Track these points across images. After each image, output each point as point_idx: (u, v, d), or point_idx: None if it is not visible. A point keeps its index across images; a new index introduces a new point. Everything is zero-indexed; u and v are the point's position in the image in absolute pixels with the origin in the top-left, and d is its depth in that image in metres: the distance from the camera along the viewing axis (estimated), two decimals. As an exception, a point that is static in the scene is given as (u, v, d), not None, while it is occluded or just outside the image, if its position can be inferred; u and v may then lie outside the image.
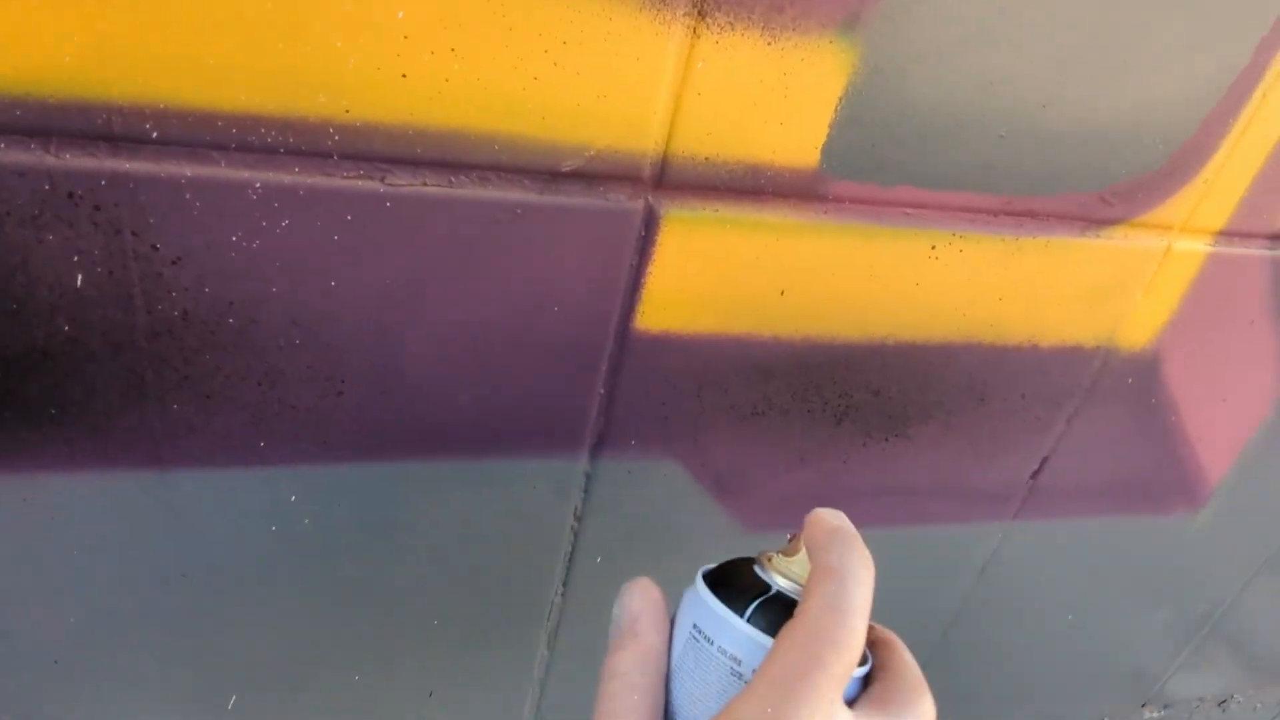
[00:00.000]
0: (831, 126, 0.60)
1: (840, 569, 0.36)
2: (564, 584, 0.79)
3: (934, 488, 0.85)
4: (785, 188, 0.61)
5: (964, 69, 0.59)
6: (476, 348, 0.61)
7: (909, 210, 0.66)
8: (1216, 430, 0.94)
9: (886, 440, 0.79)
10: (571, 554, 0.77)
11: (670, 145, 0.58)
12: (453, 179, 0.55)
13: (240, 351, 0.57)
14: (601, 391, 0.67)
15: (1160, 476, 0.96)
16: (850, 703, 0.37)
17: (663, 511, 0.76)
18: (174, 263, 0.52)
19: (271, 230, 0.53)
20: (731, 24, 0.54)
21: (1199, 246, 0.76)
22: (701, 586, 0.40)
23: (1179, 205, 0.73)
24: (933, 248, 0.68)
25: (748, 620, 0.38)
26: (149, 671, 0.70)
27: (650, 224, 0.60)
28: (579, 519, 0.74)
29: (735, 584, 0.40)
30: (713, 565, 0.42)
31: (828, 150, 0.61)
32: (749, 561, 0.41)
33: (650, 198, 0.59)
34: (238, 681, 0.74)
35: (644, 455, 0.72)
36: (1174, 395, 0.88)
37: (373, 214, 0.54)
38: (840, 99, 0.59)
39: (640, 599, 0.41)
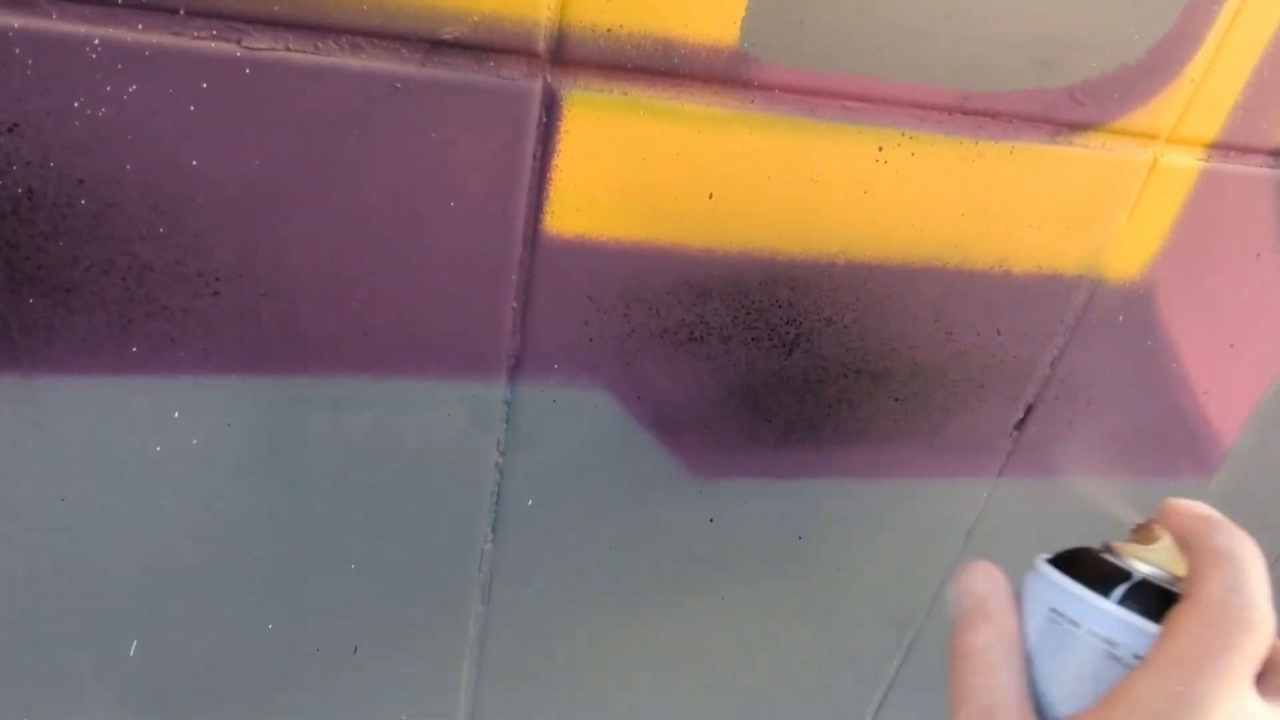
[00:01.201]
0: (751, -2, 0.54)
1: (1232, 552, 0.36)
2: (493, 530, 0.73)
3: (906, 436, 0.78)
4: (703, 70, 0.56)
5: None
6: (363, 246, 0.56)
7: (849, 103, 0.59)
8: (1226, 383, 0.85)
9: (846, 377, 0.72)
10: (498, 494, 0.71)
11: (566, 13, 0.52)
12: (319, 44, 0.50)
13: (98, 239, 0.52)
14: (515, 305, 0.62)
15: (1167, 434, 0.87)
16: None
17: (595, 449, 0.70)
18: (10, 130, 0.48)
19: (118, 97, 0.48)
20: None
21: (1190, 161, 0.69)
22: (1052, 571, 0.41)
23: (1162, 109, 0.65)
24: (879, 149, 0.62)
25: (1120, 604, 0.39)
26: (27, 611, 0.65)
27: (551, 107, 0.55)
28: (503, 454, 0.68)
29: (1090, 570, 0.40)
30: (1050, 554, 0.43)
31: (748, 25, 0.55)
32: (1095, 551, 0.42)
33: (549, 75, 0.54)
34: (130, 628, 0.69)
35: (570, 383, 0.66)
36: (1173, 339, 0.80)
37: (231, 82, 0.49)
38: (758, -36, 0.53)
39: (985, 581, 0.42)
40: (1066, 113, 0.64)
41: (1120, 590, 0.39)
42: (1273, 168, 0.72)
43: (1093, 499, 0.91)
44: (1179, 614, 0.36)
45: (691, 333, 0.67)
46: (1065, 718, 0.38)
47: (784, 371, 0.71)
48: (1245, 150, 0.70)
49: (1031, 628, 0.41)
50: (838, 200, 0.63)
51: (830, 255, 0.66)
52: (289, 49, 0.50)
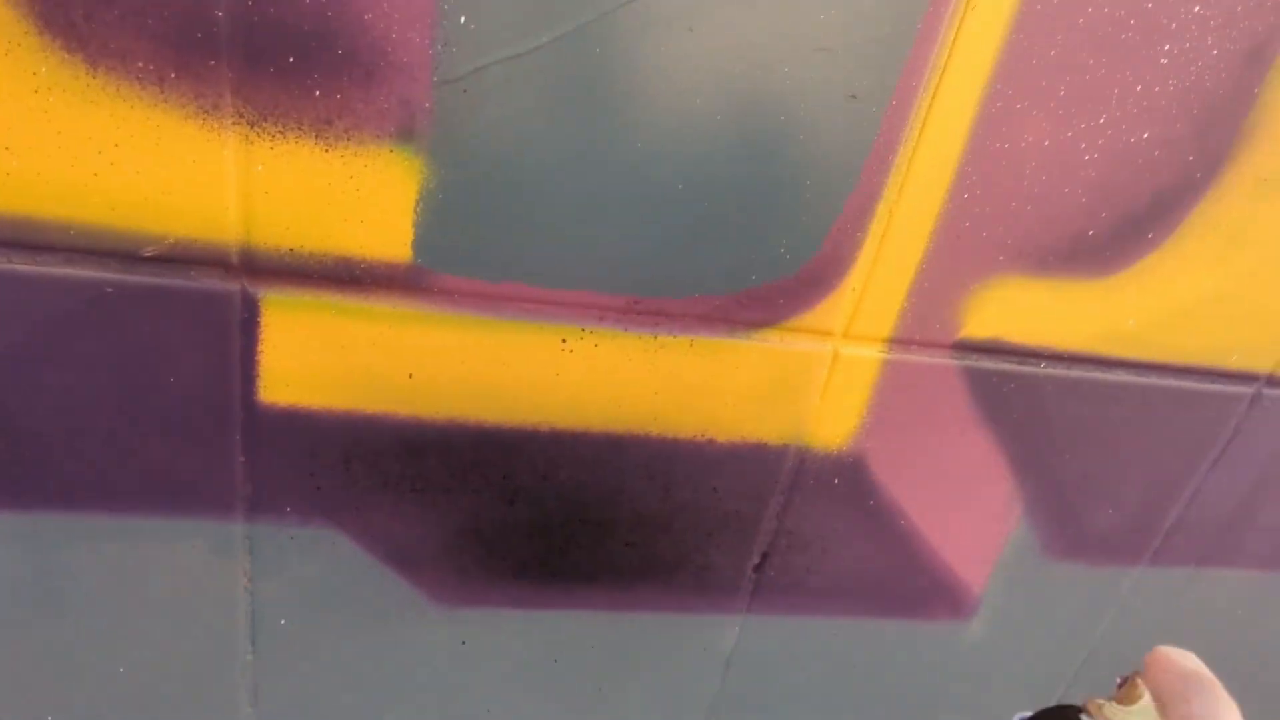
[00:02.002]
0: (416, 226, 0.65)
1: None
2: (253, 643, 0.83)
3: (644, 576, 0.87)
4: (385, 279, 0.67)
5: (552, 183, 0.64)
6: (98, 412, 0.68)
7: (528, 305, 0.70)
8: (962, 538, 0.93)
9: (571, 524, 0.82)
10: (253, 614, 0.81)
11: (251, 236, 0.64)
12: (38, 259, 0.62)
13: None
14: (242, 459, 0.73)
15: (911, 581, 0.95)
16: None
17: (338, 580, 0.80)
18: None
19: None
20: (283, 133, 0.60)
21: (871, 353, 0.78)
22: None
23: (830, 312, 0.75)
24: (564, 340, 0.72)
25: None
26: None
27: (250, 306, 0.66)
28: (251, 580, 0.79)
29: None
30: (1029, 714, 0.41)
31: (419, 246, 0.66)
32: (1074, 710, 0.40)
33: (245, 283, 0.65)
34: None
35: (304, 523, 0.77)
36: (896, 500, 0.89)
37: (-33, 287, 0.61)
38: (418, 201, 0.64)
39: None
40: (738, 314, 0.74)
41: None
42: (958, 359, 0.81)
43: None
44: None
45: (413, 485, 0.77)
46: None
47: (509, 519, 0.81)
48: (925, 344, 0.79)
49: None
50: (531, 381, 0.74)
51: (533, 424, 0.76)
52: (11, 262, 0.62)
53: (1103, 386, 0.85)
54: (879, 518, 0.89)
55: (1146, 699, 0.37)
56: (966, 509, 0.91)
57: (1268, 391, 0.90)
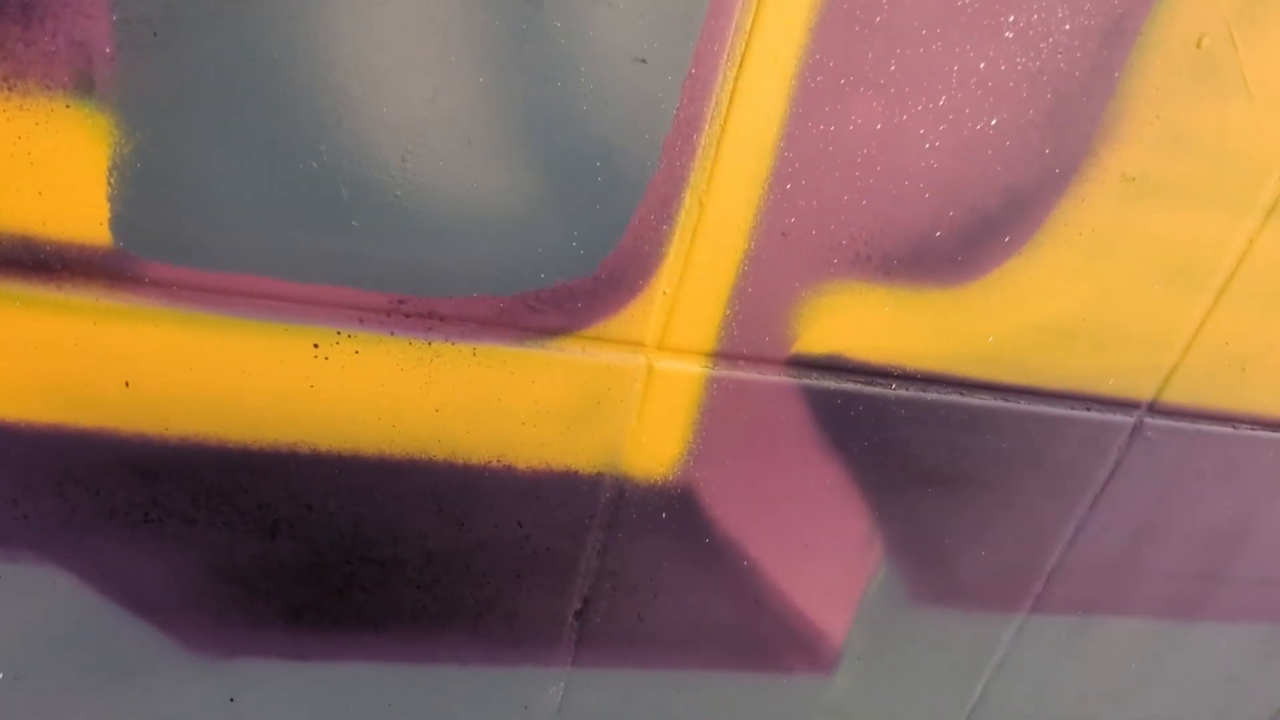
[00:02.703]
0: (112, 200, 0.53)
1: None
2: (-34, 699, 0.69)
3: (443, 623, 0.75)
4: (81, 266, 0.55)
5: (281, 151, 0.53)
6: None
7: (272, 303, 0.58)
8: (815, 581, 0.82)
9: (350, 563, 0.70)
10: (-39, 665, 0.68)
11: (-104, 208, 0.51)
12: None
13: None
14: (-78, 481, 0.60)
15: (761, 630, 0.84)
16: None
17: (64, 625, 0.67)
18: None
19: None
20: (-81, 76, 0.48)
21: (691, 368, 0.67)
22: None
23: (638, 318, 0.64)
24: (315, 346, 0.60)
25: None
26: None
27: (-93, 295, 0.54)
28: (-47, 626, 0.66)
29: None
30: None
31: (119, 226, 0.54)
32: None
33: (-103, 265, 0.53)
34: None
35: (12, 559, 0.64)
36: (735, 537, 0.77)
37: None
38: (111, 169, 0.52)
39: None
40: (527, 319, 0.63)
41: None
42: (793, 377, 0.70)
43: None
44: None
45: (146, 514, 0.65)
46: None
47: (271, 555, 0.69)
48: (755, 360, 0.69)
49: None
50: (280, 393, 0.62)
51: (289, 445, 0.64)
52: None
53: (964, 412, 0.75)
54: (717, 557, 0.78)
55: None
56: (818, 549, 0.80)
57: (1150, 421, 0.80)
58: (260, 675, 0.75)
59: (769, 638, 0.86)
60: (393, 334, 0.62)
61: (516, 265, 0.61)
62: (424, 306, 0.61)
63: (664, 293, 0.64)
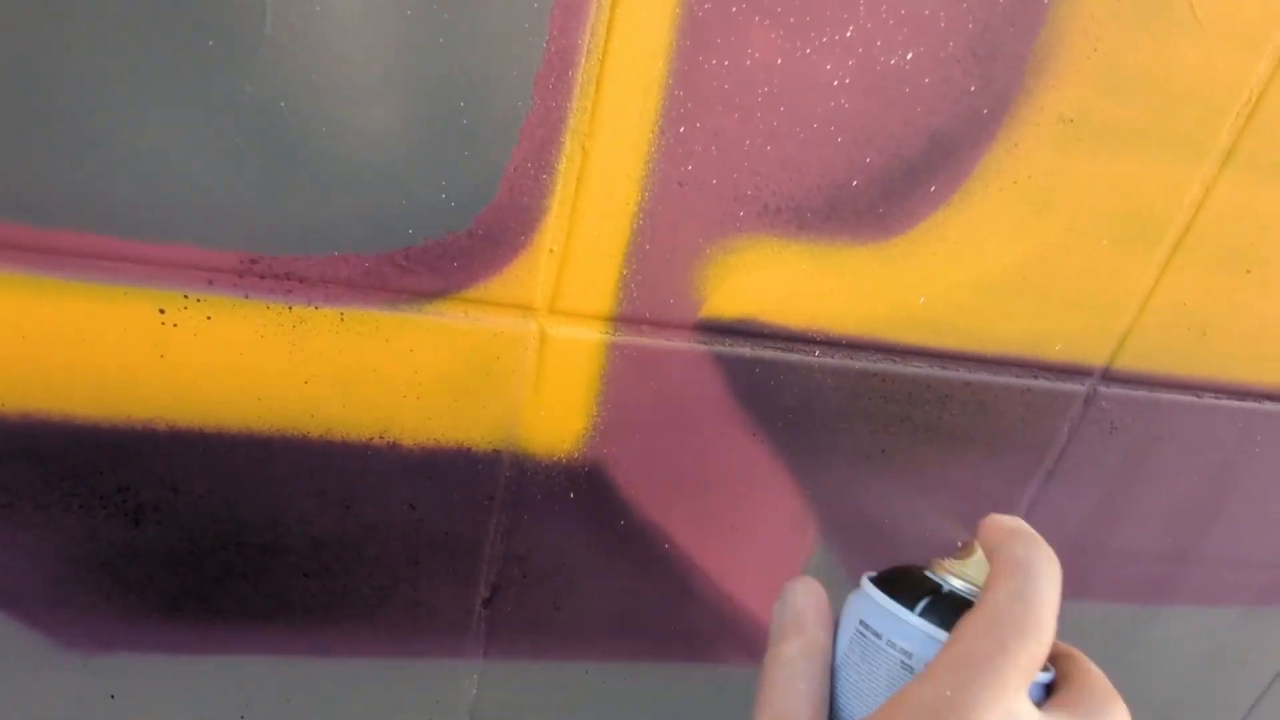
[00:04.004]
0: (-93, 146, 0.47)
1: (1025, 561, 0.37)
2: None
3: (338, 614, 0.70)
4: (-119, 222, 0.49)
5: (115, 84, 0.47)
6: None
7: (103, 263, 0.52)
8: (745, 566, 0.76)
9: (227, 549, 0.64)
10: None
11: None
12: None
13: None
14: None
15: (692, 620, 0.78)
16: (1035, 706, 0.36)
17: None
18: None
19: None
20: None
21: (589, 335, 0.61)
22: (869, 585, 0.42)
23: (523, 279, 0.58)
24: (161, 311, 0.55)
25: (920, 615, 0.39)
26: None
27: None
28: None
29: (904, 585, 0.41)
30: (877, 572, 0.44)
31: (-79, 176, 0.48)
32: (918, 568, 0.43)
33: None
34: None
35: None
36: (653, 519, 0.72)
37: None
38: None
39: (805, 596, 0.43)
40: (399, 280, 0.57)
41: (923, 603, 0.39)
42: (705, 344, 0.64)
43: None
44: (963, 621, 0.36)
45: (-10, 498, 0.59)
46: None
47: (138, 543, 0.63)
48: (660, 325, 0.63)
49: (841, 641, 0.41)
50: (127, 364, 0.56)
51: (144, 421, 0.59)
52: None
53: (898, 381, 0.69)
54: (636, 541, 0.72)
55: (979, 553, 0.41)
56: (746, 531, 0.74)
57: (1104, 390, 0.74)
58: (141, 670, 0.69)
59: (700, 626, 0.80)
60: (248, 297, 0.56)
61: (380, 221, 0.55)
62: (279, 266, 0.55)
63: (551, 250, 0.58)
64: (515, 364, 0.62)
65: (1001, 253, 0.65)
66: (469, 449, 0.65)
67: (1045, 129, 0.61)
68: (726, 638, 0.80)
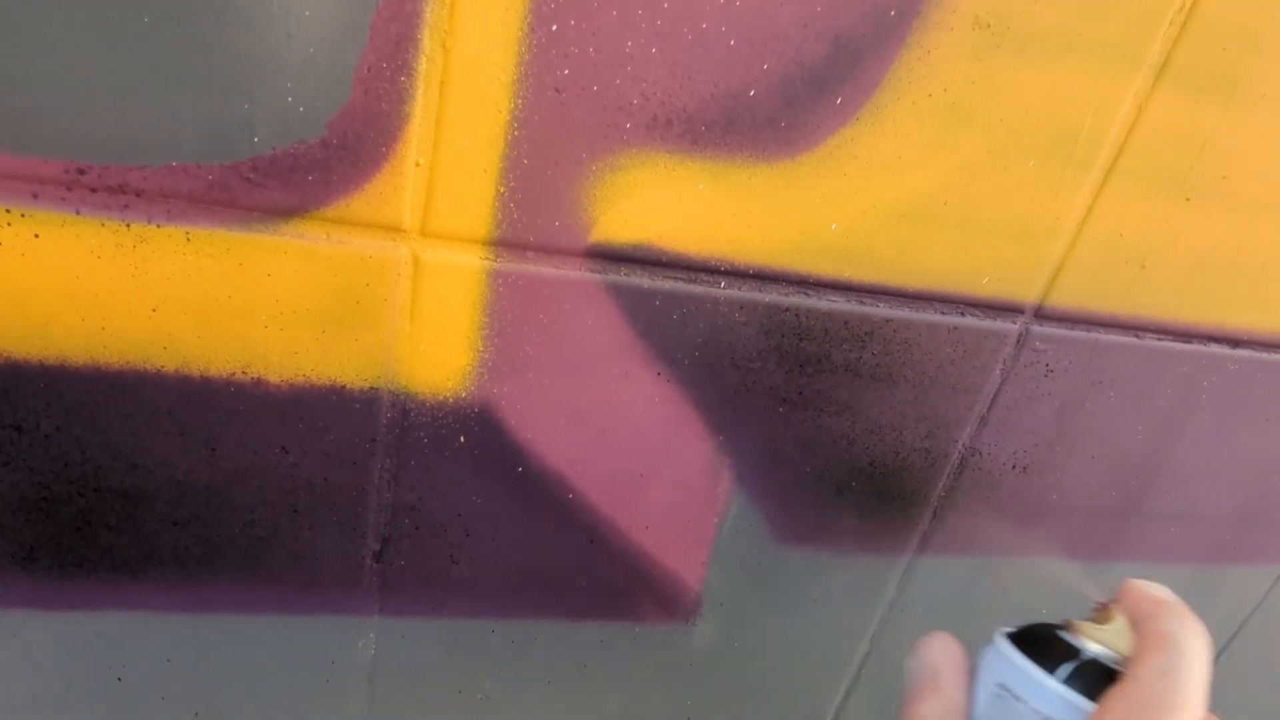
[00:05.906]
0: None
1: (1174, 637, 0.37)
2: None
3: (214, 566, 0.65)
4: None
5: None
6: None
7: (-91, 171, 0.47)
8: (657, 517, 0.71)
9: (84, 495, 0.59)
10: None
11: None
12: None
13: None
14: None
15: (601, 574, 0.73)
16: None
17: None
18: None
19: None
20: None
21: (467, 260, 0.56)
22: (1007, 646, 0.42)
23: (390, 198, 0.53)
24: (-18, 228, 0.49)
25: (1063, 682, 0.39)
26: None
27: None
28: None
29: (1042, 647, 0.41)
30: (1012, 628, 0.43)
31: None
32: (1052, 627, 0.42)
33: None
34: None
35: None
36: (553, 465, 0.67)
37: None
38: None
39: (940, 652, 0.43)
40: (247, 195, 0.52)
41: (1066, 669, 0.39)
42: (598, 272, 0.59)
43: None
44: (1111, 694, 0.36)
45: None
46: None
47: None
48: (546, 250, 0.57)
49: (980, 701, 0.41)
50: (-51, 286, 0.51)
51: (-26, 351, 0.53)
52: None
53: (813, 317, 0.64)
54: (535, 489, 0.67)
55: (1120, 621, 0.41)
56: (655, 479, 0.69)
57: (1038, 329, 0.69)
58: (8, 626, 0.64)
59: (611, 581, 0.75)
60: (79, 213, 0.50)
61: (220, 127, 0.49)
62: (111, 178, 0.50)
63: (417, 163, 0.52)
64: (387, 292, 0.57)
65: (918, 174, 0.60)
66: (343, 386, 0.60)
67: (960, 34, 0.56)
68: (639, 593, 0.76)
